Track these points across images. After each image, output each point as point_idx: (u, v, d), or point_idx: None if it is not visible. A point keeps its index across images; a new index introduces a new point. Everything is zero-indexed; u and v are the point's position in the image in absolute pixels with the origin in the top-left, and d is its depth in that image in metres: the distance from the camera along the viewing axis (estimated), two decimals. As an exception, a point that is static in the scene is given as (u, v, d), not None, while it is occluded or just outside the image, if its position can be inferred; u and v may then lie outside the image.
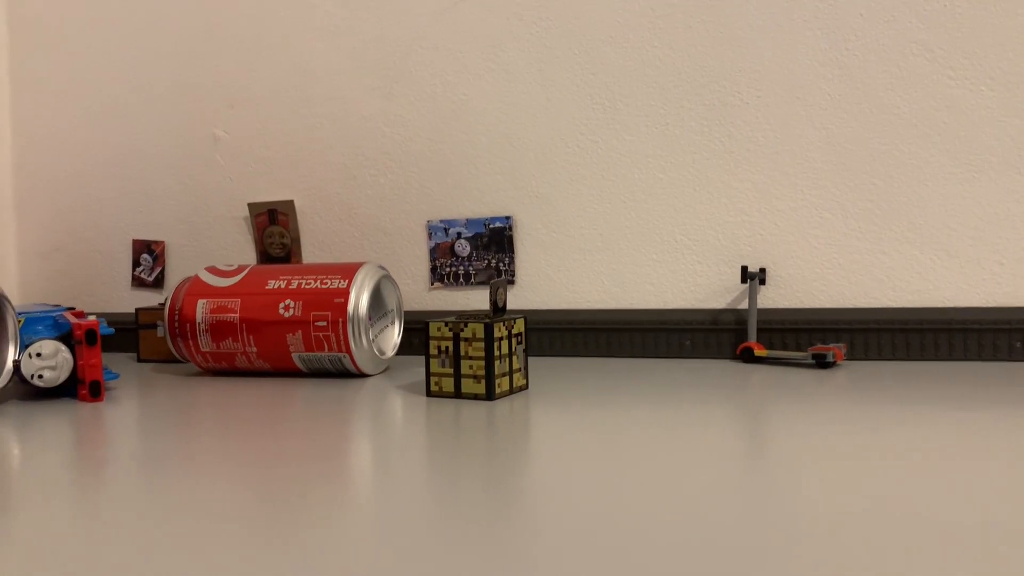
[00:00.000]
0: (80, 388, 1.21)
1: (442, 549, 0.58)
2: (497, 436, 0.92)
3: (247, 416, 1.07)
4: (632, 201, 1.49)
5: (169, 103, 1.76)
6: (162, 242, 1.77)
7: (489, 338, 1.12)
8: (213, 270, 1.42)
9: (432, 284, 1.60)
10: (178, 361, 1.60)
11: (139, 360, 1.63)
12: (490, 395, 1.12)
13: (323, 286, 1.33)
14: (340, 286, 1.32)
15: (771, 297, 1.44)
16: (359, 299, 1.31)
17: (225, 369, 1.40)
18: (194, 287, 1.39)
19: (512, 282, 1.56)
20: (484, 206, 1.57)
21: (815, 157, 1.40)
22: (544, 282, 1.54)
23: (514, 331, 1.16)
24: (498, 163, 1.56)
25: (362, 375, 1.36)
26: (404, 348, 1.62)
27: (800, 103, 1.41)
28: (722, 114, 1.44)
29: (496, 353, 1.12)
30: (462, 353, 1.13)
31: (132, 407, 1.16)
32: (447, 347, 1.15)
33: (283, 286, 1.35)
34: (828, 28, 1.38)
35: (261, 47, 1.69)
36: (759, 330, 1.42)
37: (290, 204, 1.67)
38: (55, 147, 1.86)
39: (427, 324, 1.16)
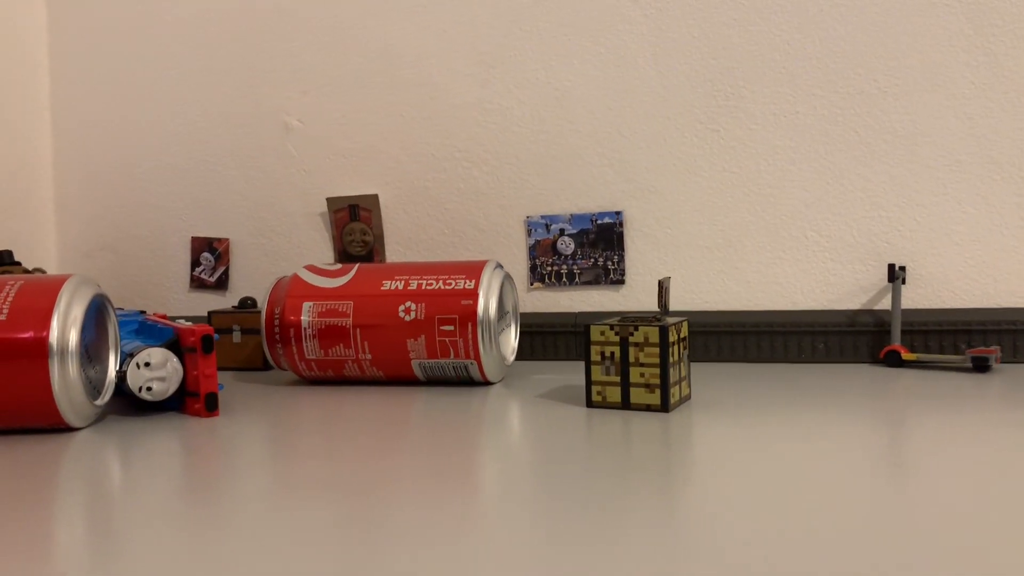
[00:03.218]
0: (191, 401, 1.08)
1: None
2: (688, 454, 0.81)
3: (389, 432, 0.95)
4: (757, 195, 1.40)
5: (233, 89, 1.62)
6: (226, 239, 1.63)
7: (664, 343, 1.01)
8: (314, 269, 1.29)
9: (531, 284, 1.49)
10: (257, 369, 1.46)
11: (210, 368, 1.49)
12: (665, 406, 1.01)
13: (447, 287, 1.21)
14: (467, 287, 1.20)
15: (910, 297, 1.35)
16: (488, 301, 1.20)
17: (330, 378, 1.28)
18: (296, 288, 1.26)
19: (621, 281, 1.45)
20: (591, 201, 1.46)
21: (958, 149, 1.32)
22: (656, 282, 1.44)
23: (681, 335, 1.06)
24: (606, 155, 1.45)
25: (485, 383, 1.25)
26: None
27: (942, 92, 1.32)
28: (857, 103, 1.35)
29: (671, 359, 1.02)
30: (631, 359, 1.03)
31: (251, 422, 1.03)
32: (612, 353, 1.04)
33: (400, 287, 1.22)
34: (973, 12, 1.30)
35: (340, 28, 1.56)
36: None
37: (374, 199, 1.54)
38: (100, 138, 1.71)
39: (587, 327, 1.05)
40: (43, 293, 0.96)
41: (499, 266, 1.26)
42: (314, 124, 1.58)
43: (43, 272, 1.59)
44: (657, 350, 1.01)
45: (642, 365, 1.02)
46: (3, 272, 1.49)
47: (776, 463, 0.78)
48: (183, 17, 1.64)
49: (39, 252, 1.71)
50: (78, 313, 0.96)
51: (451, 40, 1.51)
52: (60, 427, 0.99)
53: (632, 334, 1.02)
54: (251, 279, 1.62)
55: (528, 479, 0.75)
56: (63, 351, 0.94)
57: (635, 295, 1.45)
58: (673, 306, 1.44)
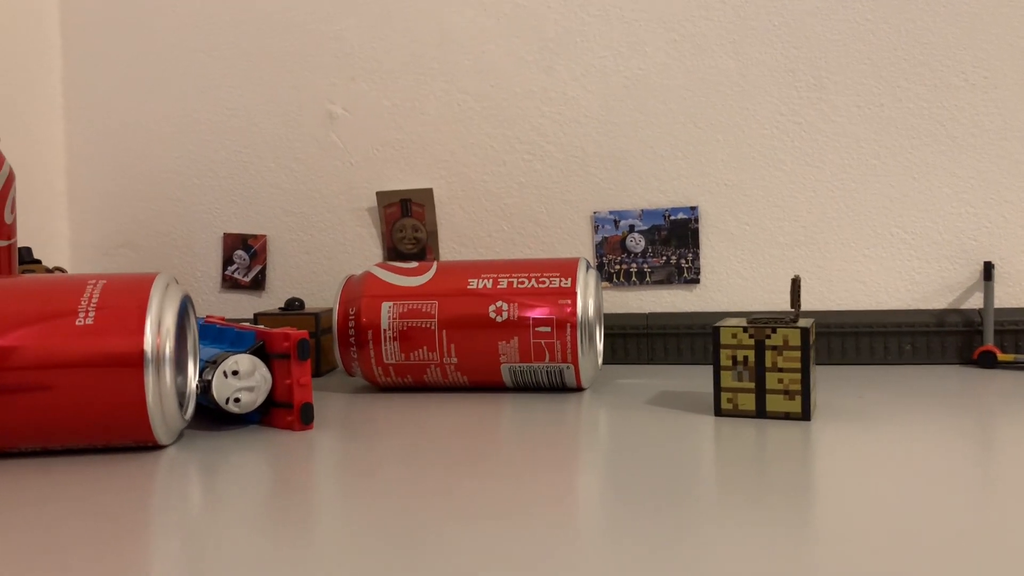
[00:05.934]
0: (282, 413, 0.97)
1: None
2: (848, 465, 0.74)
3: (508, 444, 0.87)
4: (840, 190, 1.34)
5: (271, 73, 1.51)
6: (262, 236, 1.51)
7: (805, 345, 0.94)
8: (388, 267, 1.19)
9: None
10: (307, 375, 1.36)
11: (254, 375, 1.37)
12: (806, 414, 0.95)
13: (540, 285, 1.12)
14: (563, 285, 1.12)
15: (997, 296, 1.31)
16: (587, 300, 1.12)
17: (408, 384, 1.18)
18: (373, 287, 1.16)
19: (696, 280, 1.39)
20: (663, 195, 1.39)
21: (1048, 143, 1.29)
22: (734, 280, 1.38)
23: (813, 337, 1.00)
24: (680, 147, 1.38)
25: (578, 389, 1.17)
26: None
27: (1032, 84, 1.29)
28: (944, 96, 1.31)
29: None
30: (768, 364, 0.96)
31: (345, 436, 0.94)
32: (746, 357, 0.97)
33: (489, 286, 1.14)
34: (1064, 3, 1.27)
35: (391, 9, 1.46)
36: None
37: (428, 193, 1.45)
38: (119, 125, 1.57)
39: (716, 329, 0.98)
40: (131, 293, 0.84)
41: (589, 264, 1.18)
42: (361, 113, 1.48)
43: (64, 271, 1.45)
44: (797, 353, 0.94)
45: (780, 370, 0.95)
46: (23, 272, 1.35)
47: (947, 471, 0.72)
48: (213, -4, 1.52)
49: (50, 249, 1.57)
50: (171, 316, 0.85)
51: (512, 23, 1.42)
52: (144, 445, 0.88)
53: (769, 336, 0.96)
54: (291, 279, 1.51)
55: (679, 497, 0.67)
56: (159, 360, 0.83)
57: (709, 295, 1.39)
58: (751, 306, 1.38)
